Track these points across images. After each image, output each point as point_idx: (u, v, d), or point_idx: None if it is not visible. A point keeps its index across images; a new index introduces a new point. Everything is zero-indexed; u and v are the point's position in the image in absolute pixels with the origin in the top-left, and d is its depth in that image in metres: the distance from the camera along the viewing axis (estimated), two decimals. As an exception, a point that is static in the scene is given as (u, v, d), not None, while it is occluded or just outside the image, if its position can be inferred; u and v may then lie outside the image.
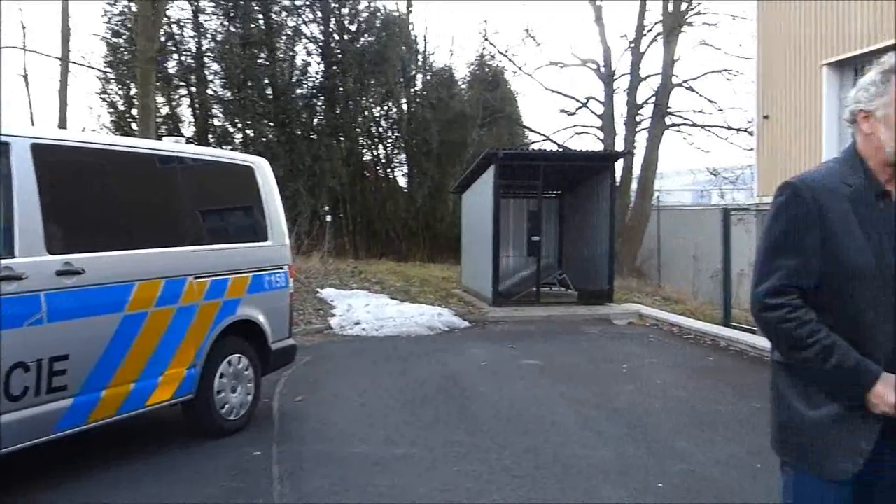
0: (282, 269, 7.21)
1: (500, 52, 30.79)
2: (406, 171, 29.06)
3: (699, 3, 28.11)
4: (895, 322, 2.47)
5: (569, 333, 12.53)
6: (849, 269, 2.47)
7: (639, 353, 10.65)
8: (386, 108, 28.78)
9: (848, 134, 2.66)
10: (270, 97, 25.23)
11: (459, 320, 13.53)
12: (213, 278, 6.33)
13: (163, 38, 22.13)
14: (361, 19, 27.47)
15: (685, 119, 28.23)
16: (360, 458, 5.95)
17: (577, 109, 29.25)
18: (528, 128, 31.37)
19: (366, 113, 27.84)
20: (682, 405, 7.67)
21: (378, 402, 7.71)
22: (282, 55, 26.08)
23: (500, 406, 7.58)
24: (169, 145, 6.45)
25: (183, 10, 25.02)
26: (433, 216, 27.39)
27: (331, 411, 7.38)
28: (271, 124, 25.12)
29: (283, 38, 26.22)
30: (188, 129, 25.78)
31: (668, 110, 27.77)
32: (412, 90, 28.64)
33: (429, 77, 29.04)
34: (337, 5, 26.68)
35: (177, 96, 26.04)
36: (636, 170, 27.79)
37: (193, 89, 25.32)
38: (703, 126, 27.84)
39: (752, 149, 15.04)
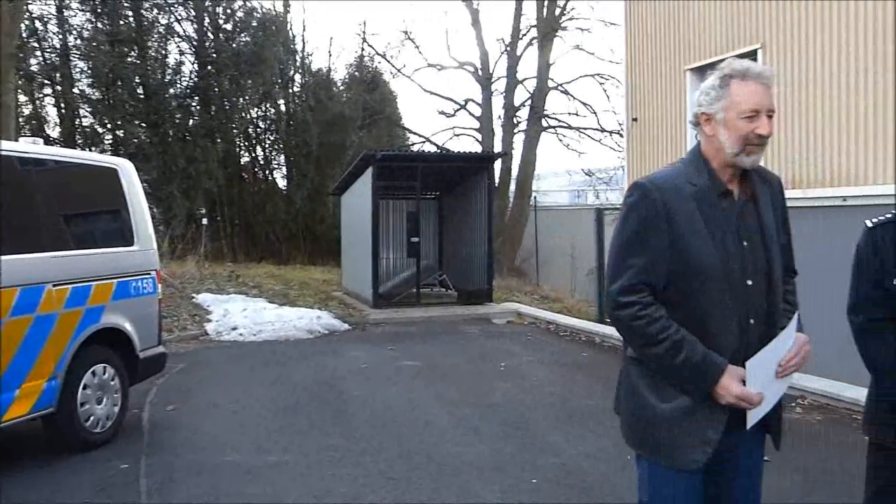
0: (149, 274, 6.98)
1: (378, 54, 30.72)
2: (285, 172, 28.63)
3: (572, 9, 28.85)
4: (739, 319, 2.57)
5: (448, 333, 12.61)
6: (695, 267, 2.54)
7: (516, 352, 10.82)
8: (264, 108, 28.28)
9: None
10: (142, 97, 24.37)
11: (339, 323, 13.43)
12: (75, 285, 6.06)
13: (24, 34, 21.08)
14: (237, 18, 26.89)
15: (561, 121, 28.92)
16: (233, 466, 5.82)
17: (455, 111, 29.55)
18: (408, 129, 31.47)
19: (243, 114, 27.28)
20: (556, 401, 7.84)
21: (252, 409, 7.56)
22: (153, 54, 25.21)
23: (378, 409, 7.56)
24: (25, 146, 6.14)
25: (47, 4, 23.92)
26: (313, 218, 27.08)
27: (204, 420, 7.19)
28: (143, 125, 24.25)
29: (155, 35, 25.37)
30: (54, 130, 24.64)
31: (545, 113, 28.37)
32: (290, 91, 28.25)
33: (307, 78, 28.71)
34: (211, 4, 26.02)
35: (41, 95, 24.86)
36: (515, 171, 28.25)
37: (59, 88, 24.21)
38: (577, 128, 28.61)
39: (622, 150, 15.52)
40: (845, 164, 8.00)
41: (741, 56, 9.57)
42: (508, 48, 28.24)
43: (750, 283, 2.61)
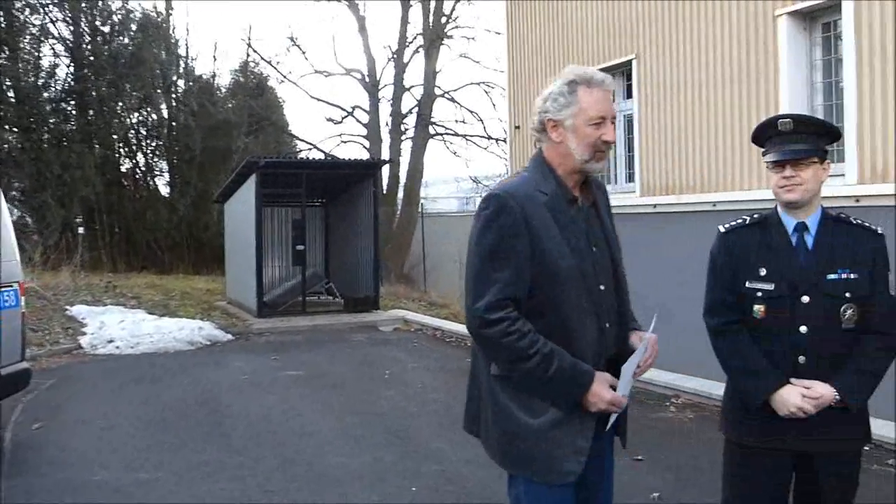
0: (11, 286, 6.62)
1: (264, 59, 30.23)
2: (168, 179, 27.82)
3: (457, 18, 29.12)
4: (597, 323, 2.61)
5: (334, 342, 12.49)
6: (554, 275, 2.55)
7: (402, 359, 10.80)
8: (144, 113, 27.41)
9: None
10: (13, 100, 23.26)
11: (222, 333, 13.11)
12: (-74, 299, 5.70)
13: None
14: (115, 20, 25.98)
15: (448, 129, 29.13)
16: (100, 485, 5.57)
17: (343, 118, 29.36)
18: (295, 136, 31.06)
19: (122, 119, 26.37)
20: (440, 407, 7.85)
21: (125, 425, 7.27)
22: (26, 55, 24.11)
23: (258, 420, 7.40)
24: None
25: None
26: (197, 226, 26.38)
27: (72, 437, 6.87)
28: (14, 130, 23.15)
29: (28, 37, 24.25)
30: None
31: (432, 120, 28.51)
32: (173, 95, 27.48)
33: (191, 83, 27.99)
34: (87, 4, 25.05)
35: None
36: (402, 178, 28.28)
37: (-81, 90, 22.86)
38: (464, 136, 28.85)
39: (507, 158, 15.72)
40: (715, 170, 8.30)
41: (617, 66, 9.85)
42: (395, 55, 28.28)
43: (602, 287, 2.66)
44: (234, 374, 9.82)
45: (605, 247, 2.73)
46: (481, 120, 31.39)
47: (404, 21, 28.23)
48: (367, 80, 28.85)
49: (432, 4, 27.72)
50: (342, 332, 13.60)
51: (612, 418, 2.66)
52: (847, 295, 2.87)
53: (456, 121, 29.99)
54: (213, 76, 29.37)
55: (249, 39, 34.44)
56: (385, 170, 24.55)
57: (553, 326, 2.55)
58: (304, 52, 43.14)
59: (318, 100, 36.41)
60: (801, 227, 2.96)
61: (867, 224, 3.00)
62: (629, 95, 9.79)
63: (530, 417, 2.58)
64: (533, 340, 2.50)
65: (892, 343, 2.93)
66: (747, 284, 2.97)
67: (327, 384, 9.07)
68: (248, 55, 30.07)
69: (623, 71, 9.94)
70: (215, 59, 45.20)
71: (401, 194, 28.41)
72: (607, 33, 9.99)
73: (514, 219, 2.53)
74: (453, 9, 28.22)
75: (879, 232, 2.99)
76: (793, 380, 2.88)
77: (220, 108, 27.49)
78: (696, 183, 8.56)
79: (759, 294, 2.94)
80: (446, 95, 28.66)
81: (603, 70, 9.24)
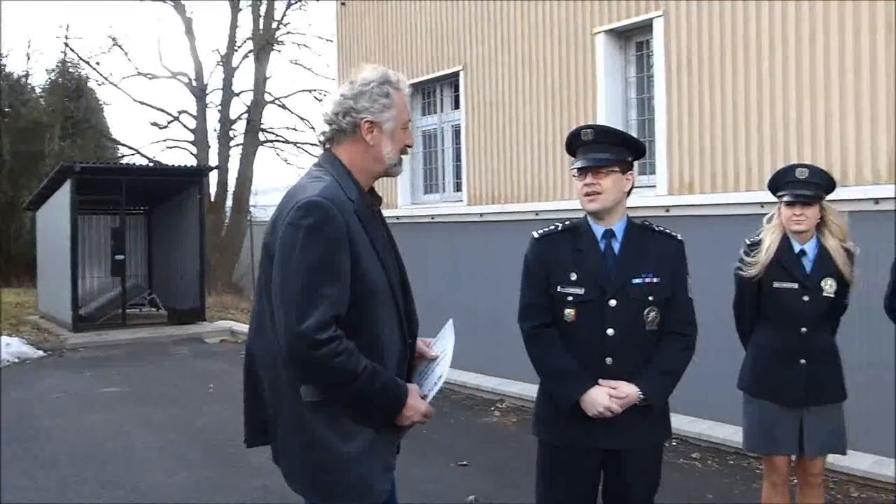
0: None
1: (83, 60, 28.69)
2: (-27, 185, 25.89)
3: (288, 23, 28.75)
4: (402, 336, 2.55)
5: (156, 356, 11.98)
6: (369, 287, 2.43)
7: (228, 371, 10.48)
8: (-54, 113, 25.44)
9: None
10: None
11: (32, 350, 12.28)
12: None
13: None
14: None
15: (278, 136, 28.67)
16: None
17: (168, 123, 28.27)
18: (116, 141, 29.68)
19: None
20: (266, 420, 7.66)
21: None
22: None
23: (75, 441, 6.98)
24: None
25: None
26: (7, 235, 24.70)
27: None
28: None
29: None
30: None
31: (262, 127, 27.97)
32: (-23, 94, 25.63)
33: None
34: None
35: None
36: (231, 185, 27.57)
37: None
38: (295, 143, 28.49)
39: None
40: (538, 180, 8.58)
41: (446, 77, 10.00)
42: (224, 60, 27.56)
43: (402, 298, 2.60)
44: (48, 393, 9.23)
45: (394, 254, 2.66)
46: (313, 127, 31.03)
47: (233, 25, 27.59)
48: (194, 84, 27.95)
49: (263, 9, 27.24)
50: (165, 345, 13.08)
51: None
52: (650, 298, 3.02)
53: (287, 128, 29.60)
54: (26, 75, 27.65)
55: (67, 38, 32.53)
56: (213, 177, 23.88)
57: (366, 343, 2.40)
58: (126, 54, 41.30)
59: (142, 103, 34.95)
60: (609, 234, 3.09)
61: (668, 231, 3.17)
62: (457, 106, 9.96)
63: (346, 443, 2.41)
64: (359, 358, 2.34)
65: (690, 343, 3.11)
66: (559, 289, 3.06)
67: (149, 400, 8.69)
68: (65, 54, 28.50)
69: (451, 82, 10.10)
70: (28, 58, 42.49)
71: (229, 202, 27.68)
72: (436, 44, 10.13)
73: (338, 229, 2.35)
74: (284, 14, 27.85)
75: (679, 238, 3.16)
76: (601, 380, 2.99)
77: (31, 109, 25.86)
78: (521, 192, 8.80)
79: (570, 298, 3.04)
80: (277, 102, 28.22)
81: (432, 80, 9.36)
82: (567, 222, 3.19)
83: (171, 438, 7.02)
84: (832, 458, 4.24)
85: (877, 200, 5.65)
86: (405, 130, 2.61)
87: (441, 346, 2.74)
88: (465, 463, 6.20)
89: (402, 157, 2.63)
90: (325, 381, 2.36)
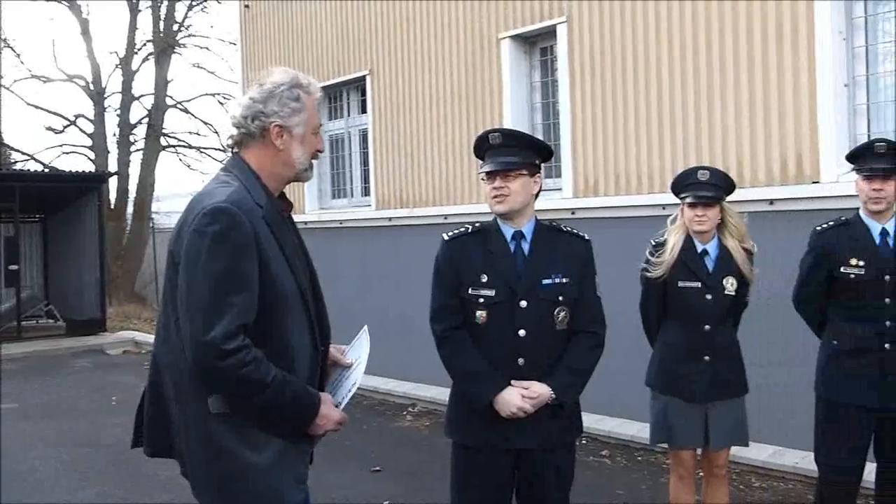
0: None
1: (-30, 61, 27.43)
2: None
3: (190, 26, 28.14)
4: (313, 344, 2.51)
5: (55, 369, 11.55)
6: (279, 293, 2.39)
7: (131, 383, 10.16)
8: None
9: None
10: None
11: (-82, 365, 11.68)
12: None
13: None
14: None
15: (181, 140, 27.99)
16: None
17: (65, 127, 27.27)
18: (8, 146, 28.46)
19: None
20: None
21: None
22: None
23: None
24: None
25: None
26: None
27: None
28: None
29: None
30: None
31: (164, 131, 27.27)
32: None
33: None
34: None
35: None
36: (132, 192, 26.79)
37: None
38: (198, 148, 27.85)
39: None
40: (446, 184, 8.62)
41: (352, 81, 9.95)
42: (123, 62, 26.76)
43: (314, 305, 2.56)
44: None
45: (305, 260, 2.62)
46: (216, 132, 30.43)
47: (132, 27, 26.79)
48: (91, 87, 27.05)
49: (163, 10, 26.58)
50: (64, 357, 12.62)
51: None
52: (560, 298, 3.07)
53: (190, 132, 28.81)
54: None
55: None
56: (112, 183, 23.17)
57: (275, 352, 2.36)
58: (18, 55, 39.62)
59: (36, 107, 33.66)
60: (519, 236, 3.13)
61: (576, 231, 3.24)
62: (364, 110, 9.93)
63: (255, 454, 2.36)
64: (268, 368, 2.29)
65: (600, 341, 3.19)
66: (470, 291, 3.08)
67: (48, 416, 8.36)
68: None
69: (358, 86, 10.06)
70: None
71: (130, 209, 26.88)
72: (342, 48, 10.07)
73: (246, 236, 2.31)
74: (186, 16, 27.21)
75: (586, 238, 3.24)
76: (513, 381, 3.03)
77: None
78: (429, 196, 8.83)
79: (481, 300, 3.07)
80: (179, 106, 27.52)
81: (338, 84, 9.28)
82: (477, 224, 3.22)
83: (74, 455, 6.78)
84: (735, 450, 4.38)
85: (771, 201, 5.88)
86: (316, 135, 2.58)
87: (356, 353, 2.72)
88: (378, 469, 6.18)
89: (313, 161, 2.60)
90: (232, 392, 2.31)
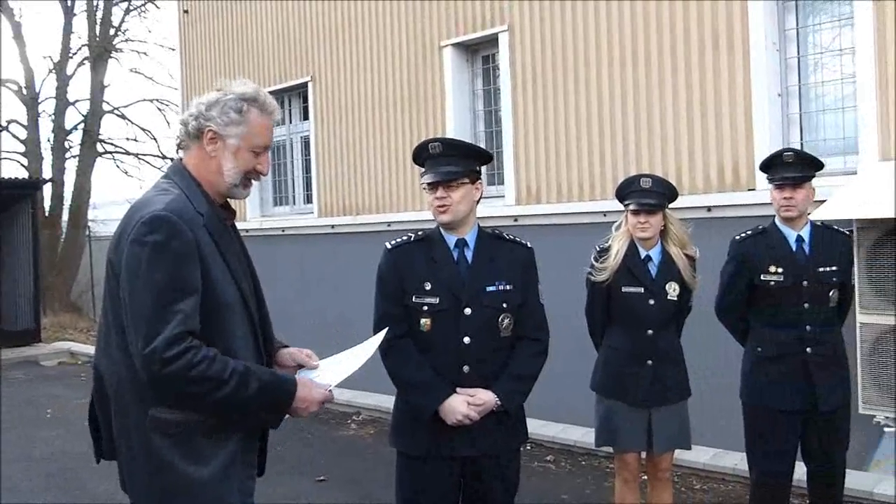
0: None
1: None
2: None
3: (127, 31, 27.67)
4: (257, 350, 2.49)
5: (-14, 381, 11.21)
6: (221, 302, 2.37)
7: (67, 395, 9.93)
8: None
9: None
10: None
11: None
12: None
13: None
14: None
15: (118, 147, 27.45)
16: None
17: (-4, 133, 26.58)
18: (-65, 152, 27.61)
19: None
20: (111, 444, 7.31)
21: None
22: None
23: None
24: None
25: None
26: None
27: None
28: None
29: None
30: None
31: (100, 137, 26.73)
32: None
33: None
34: None
35: None
36: (68, 199, 26.18)
37: None
38: (136, 154, 27.34)
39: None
40: (389, 192, 8.62)
41: (294, 87, 9.89)
42: (57, 67, 26.17)
43: (259, 312, 2.54)
44: None
45: (248, 268, 2.59)
46: (155, 138, 29.85)
47: (67, 31, 26.22)
48: (24, 92, 26.40)
49: (99, 14, 26.08)
50: (-4, 369, 12.25)
51: None
52: (504, 305, 3.10)
53: (127, 139, 28.26)
54: None
55: None
56: (47, 190, 22.64)
57: None
58: (-54, 59, 38.56)
59: (-35, 112, 32.68)
60: (462, 244, 3.15)
61: (518, 239, 3.27)
62: (306, 117, 9.87)
63: (199, 468, 2.31)
64: (225, 362, 2.26)
65: (544, 348, 3.22)
66: (414, 299, 3.09)
67: (-22, 429, 8.11)
68: None
69: (300, 92, 10.00)
70: None
71: (66, 217, 26.27)
72: (284, 54, 10.01)
73: (186, 244, 2.28)
74: (123, 20, 26.74)
75: (529, 246, 3.27)
76: (458, 389, 3.04)
77: None
78: (373, 204, 8.81)
79: (425, 308, 3.08)
80: (116, 112, 27.01)
81: (280, 91, 9.20)
82: (420, 233, 3.23)
83: (7, 471, 6.57)
84: (678, 453, 4.46)
85: (709, 208, 6.00)
86: (257, 155, 2.50)
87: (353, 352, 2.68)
88: (322, 478, 6.13)
89: (249, 181, 2.52)
90: (189, 396, 2.26)
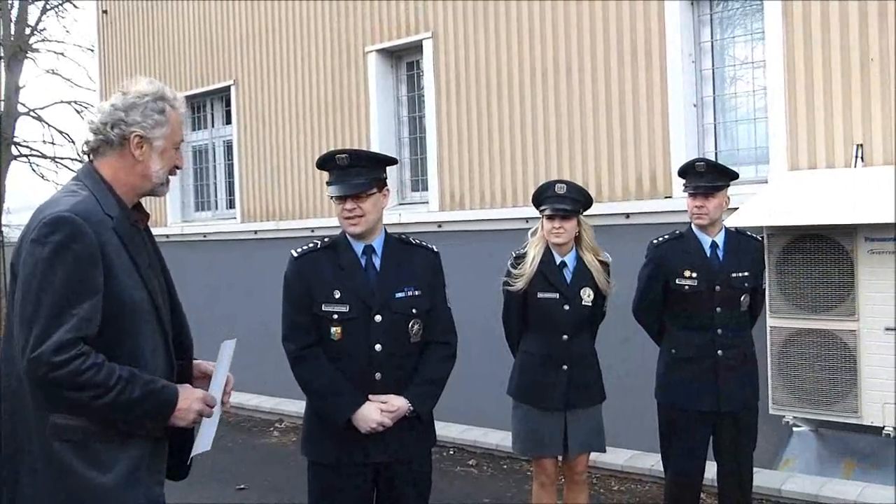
0: None
1: None
2: None
3: (44, 30, 26.91)
4: (167, 356, 2.45)
5: None
6: (130, 307, 2.32)
7: None
8: None
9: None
10: None
11: None
12: None
13: None
14: None
15: (34, 150, 26.63)
16: None
17: None
18: None
19: None
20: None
21: None
22: None
23: None
24: None
25: None
26: None
27: None
28: None
29: None
30: None
31: (15, 140, 25.92)
32: None
33: None
34: None
35: None
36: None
37: None
38: (53, 158, 26.58)
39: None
40: (312, 197, 8.55)
41: (217, 91, 9.75)
42: (-31, 66, 25.31)
43: (170, 316, 2.51)
44: None
45: (161, 272, 2.56)
46: (73, 141, 29.08)
47: (-20, 29, 25.41)
48: (-67, 92, 25.47)
49: (14, 13, 25.30)
50: None
51: (195, 451, 2.52)
52: (413, 311, 3.11)
53: (44, 141, 27.44)
54: None
55: None
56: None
57: (125, 363, 2.29)
58: None
59: None
60: (369, 250, 3.15)
61: (424, 244, 3.29)
62: (228, 121, 9.75)
63: (101, 474, 2.27)
64: (111, 369, 2.22)
65: (453, 351, 3.25)
66: (323, 307, 3.07)
67: None
68: None
69: (222, 96, 9.87)
70: None
71: (-22, 222, 25.39)
72: (206, 57, 9.86)
73: (89, 247, 2.23)
74: (39, 20, 25.98)
75: (435, 250, 3.29)
76: (371, 396, 3.04)
77: None
78: (296, 209, 8.75)
79: (335, 316, 3.06)
80: (32, 113, 26.21)
81: (202, 94, 9.02)
82: (326, 239, 3.22)
83: None
84: (594, 456, 4.53)
85: (628, 215, 6.13)
86: (177, 150, 2.51)
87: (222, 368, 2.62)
88: (243, 486, 6.06)
89: (171, 177, 2.53)
90: (74, 401, 2.23)
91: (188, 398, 2.37)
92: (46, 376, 2.16)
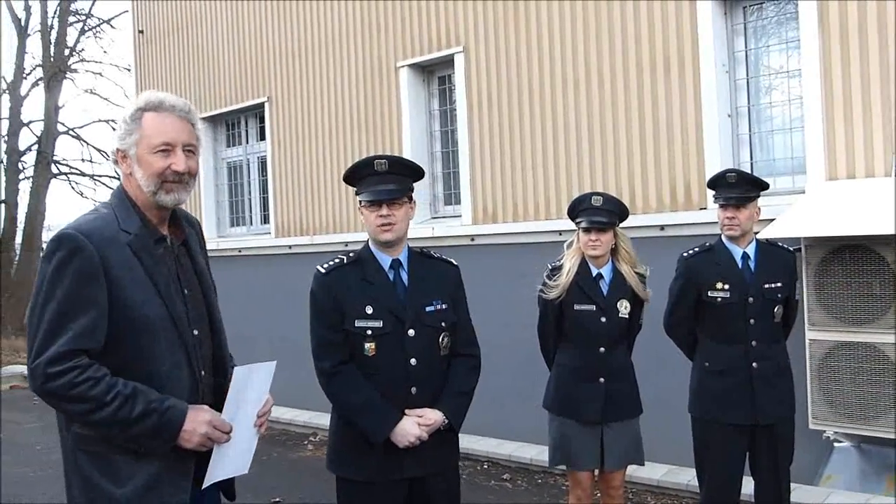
0: None
1: None
2: None
3: (83, 51, 27.39)
4: (191, 373, 2.43)
5: (-66, 407, 10.93)
6: (142, 322, 2.34)
7: (18, 420, 9.73)
8: None
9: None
10: None
11: None
12: None
13: None
14: None
15: (73, 168, 27.08)
16: None
17: (-53, 154, 26.08)
18: None
19: None
20: (60, 469, 7.16)
21: None
22: None
23: None
24: None
25: None
26: None
27: None
28: None
29: None
30: None
31: (55, 158, 26.36)
32: None
33: None
34: None
35: None
36: (21, 221, 25.73)
37: None
38: (92, 175, 27.00)
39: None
40: (345, 212, 8.60)
41: (251, 108, 9.85)
42: (11, 87, 25.81)
43: (196, 332, 2.49)
44: None
45: (199, 289, 2.56)
46: (110, 159, 29.62)
47: (21, 51, 25.92)
48: (-24, 113, 26.00)
49: (53, 35, 25.79)
50: (-55, 394, 11.96)
51: (215, 474, 2.46)
52: (443, 324, 3.12)
53: (83, 160, 27.88)
54: None
55: None
56: (0, 211, 22.28)
57: (141, 380, 2.32)
58: None
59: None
60: (396, 264, 3.14)
61: (445, 258, 3.29)
62: (262, 137, 9.83)
63: (116, 486, 2.30)
64: (110, 384, 2.25)
65: (478, 363, 3.25)
66: (356, 324, 3.05)
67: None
68: None
69: (256, 113, 9.97)
70: None
71: (19, 239, 25.82)
72: (240, 74, 9.97)
73: (89, 262, 2.29)
74: (77, 41, 26.47)
75: (455, 263, 3.29)
76: (407, 410, 3.03)
77: None
78: (330, 223, 8.79)
79: (369, 332, 3.04)
80: (71, 133, 26.67)
81: (236, 111, 9.12)
82: (351, 254, 3.20)
83: (-49, 497, 6.42)
84: (631, 471, 4.48)
85: (662, 227, 6.07)
86: (164, 154, 2.42)
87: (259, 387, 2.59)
88: (277, 500, 6.07)
89: (169, 183, 2.43)
90: (71, 413, 2.31)
91: (194, 420, 2.35)
92: (42, 387, 2.25)
